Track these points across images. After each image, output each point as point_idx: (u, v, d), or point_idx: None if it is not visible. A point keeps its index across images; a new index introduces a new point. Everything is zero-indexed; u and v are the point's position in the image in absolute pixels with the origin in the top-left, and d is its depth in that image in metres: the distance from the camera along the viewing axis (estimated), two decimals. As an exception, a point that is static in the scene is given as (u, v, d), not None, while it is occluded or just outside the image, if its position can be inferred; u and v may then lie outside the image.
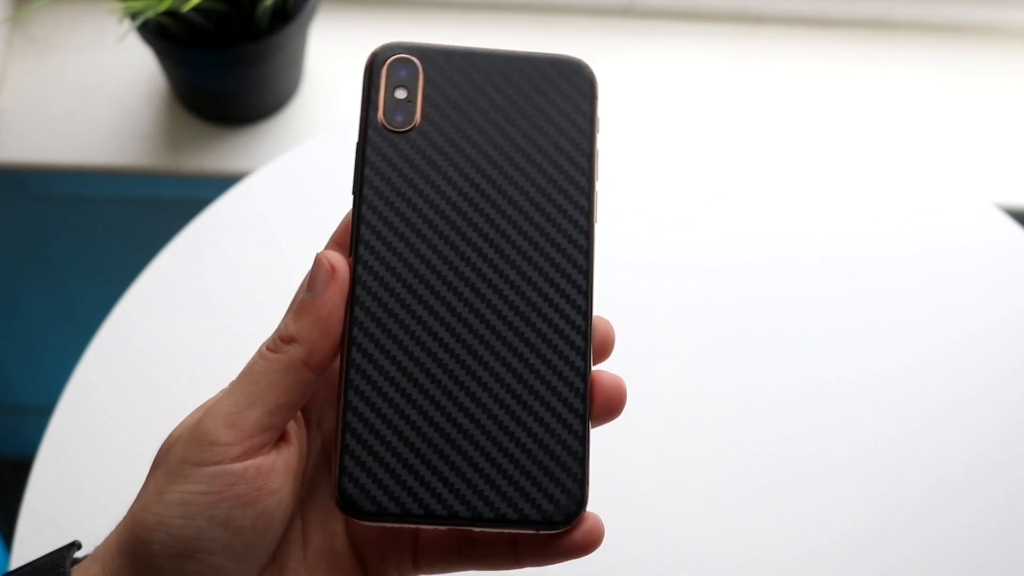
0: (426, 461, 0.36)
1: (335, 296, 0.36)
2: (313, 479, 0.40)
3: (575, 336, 0.38)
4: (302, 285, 0.40)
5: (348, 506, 0.36)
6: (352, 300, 0.37)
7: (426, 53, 0.39)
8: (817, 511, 0.65)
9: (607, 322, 0.39)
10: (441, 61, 0.39)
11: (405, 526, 0.36)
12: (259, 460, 0.35)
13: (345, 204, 0.39)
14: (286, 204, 0.74)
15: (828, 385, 0.69)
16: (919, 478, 0.67)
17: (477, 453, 0.36)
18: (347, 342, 0.36)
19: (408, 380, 0.36)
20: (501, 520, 0.36)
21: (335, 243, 0.40)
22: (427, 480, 0.36)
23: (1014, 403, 0.70)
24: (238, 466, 0.35)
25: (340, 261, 0.37)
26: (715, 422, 0.68)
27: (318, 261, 0.37)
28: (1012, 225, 0.77)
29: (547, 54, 0.40)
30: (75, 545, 0.39)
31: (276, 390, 0.36)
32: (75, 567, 0.37)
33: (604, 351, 0.39)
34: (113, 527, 0.38)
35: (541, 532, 0.37)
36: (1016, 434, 0.69)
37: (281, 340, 0.36)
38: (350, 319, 0.37)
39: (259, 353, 0.36)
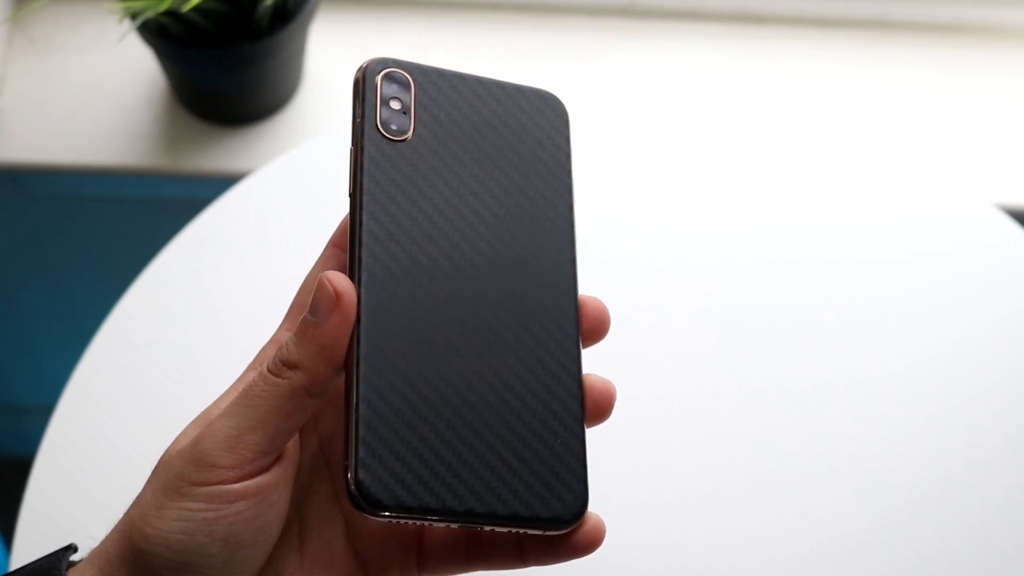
0: (440, 458, 0.36)
1: (340, 325, 0.35)
2: (309, 483, 0.39)
3: (569, 344, 0.39)
4: (303, 287, 0.40)
5: (365, 499, 0.35)
6: (359, 303, 0.36)
7: (417, 70, 0.40)
8: (819, 512, 0.65)
9: (598, 300, 0.40)
10: (429, 79, 0.40)
11: (418, 522, 0.36)
12: (258, 480, 0.35)
13: (345, 206, 0.39)
14: (286, 204, 0.74)
15: (829, 386, 0.69)
16: (921, 479, 0.67)
17: (489, 452, 0.37)
18: (356, 339, 0.36)
19: (419, 378, 0.36)
20: (514, 518, 0.36)
21: (334, 245, 0.40)
22: (442, 475, 0.36)
23: (1015, 403, 0.70)
24: (238, 486, 0.35)
25: (345, 286, 0.36)
26: (717, 424, 0.68)
27: (321, 285, 0.36)
28: (1012, 225, 0.77)
29: (528, 86, 0.42)
30: (71, 548, 0.39)
31: (278, 416, 0.35)
32: (71, 570, 0.37)
33: (600, 331, 0.40)
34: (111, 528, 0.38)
35: (548, 532, 0.37)
36: (1018, 434, 0.69)
37: (284, 364, 0.36)
38: (357, 321, 0.36)
39: (261, 375, 0.36)
